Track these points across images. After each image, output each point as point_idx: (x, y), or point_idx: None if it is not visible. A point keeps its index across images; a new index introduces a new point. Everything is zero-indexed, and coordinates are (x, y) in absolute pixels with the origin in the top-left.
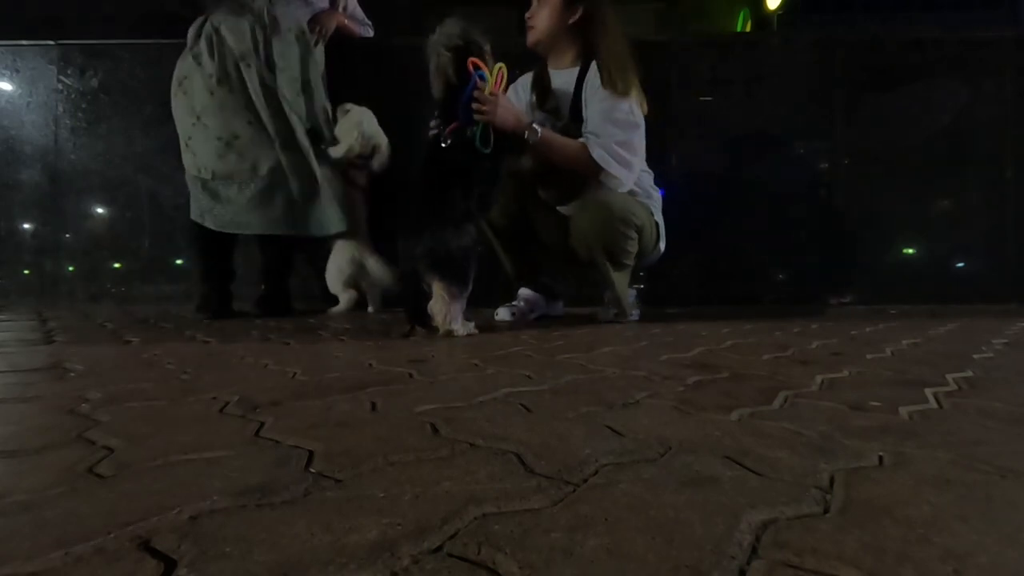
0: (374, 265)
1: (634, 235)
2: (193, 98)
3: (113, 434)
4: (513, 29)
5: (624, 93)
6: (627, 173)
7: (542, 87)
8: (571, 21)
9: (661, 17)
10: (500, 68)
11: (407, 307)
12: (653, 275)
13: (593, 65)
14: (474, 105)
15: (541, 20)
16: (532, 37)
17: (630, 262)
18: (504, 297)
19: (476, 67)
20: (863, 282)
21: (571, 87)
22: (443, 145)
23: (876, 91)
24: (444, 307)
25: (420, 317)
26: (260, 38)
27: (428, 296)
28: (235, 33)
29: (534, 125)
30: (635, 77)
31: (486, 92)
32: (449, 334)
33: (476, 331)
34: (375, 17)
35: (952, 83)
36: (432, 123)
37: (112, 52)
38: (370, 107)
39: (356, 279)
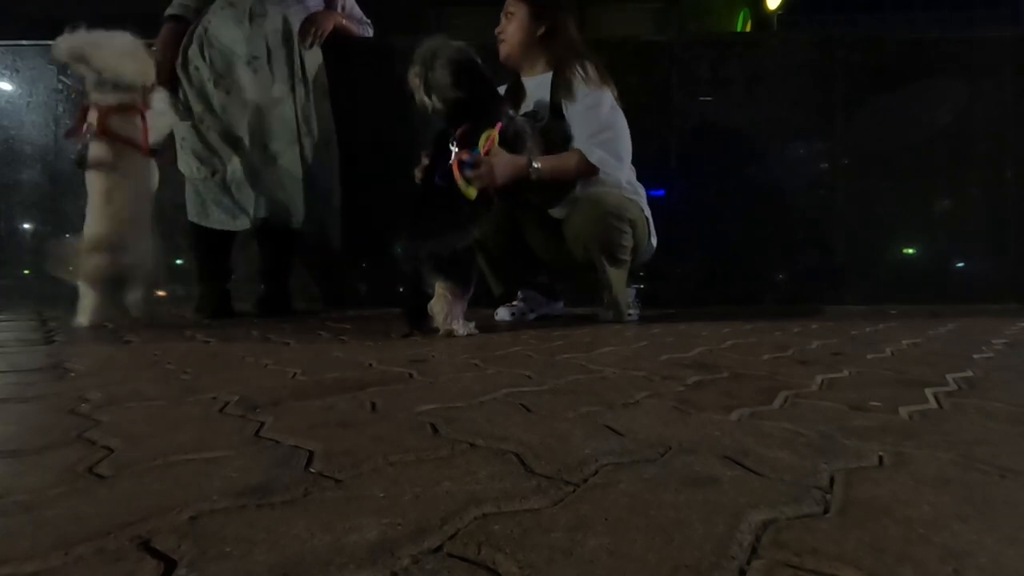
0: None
1: (628, 229)
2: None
3: (113, 434)
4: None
5: (601, 83)
6: (621, 166)
7: (516, 95)
8: (539, 34)
9: (661, 17)
10: (489, 134)
11: (407, 307)
12: (653, 275)
13: (566, 71)
14: (470, 175)
15: (511, 35)
16: (504, 51)
17: (626, 257)
18: (503, 297)
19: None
20: (863, 282)
21: (547, 89)
22: (452, 146)
23: (876, 91)
24: (445, 307)
25: (420, 317)
26: (245, 36)
27: (428, 296)
28: (223, 33)
29: (533, 164)
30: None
31: (476, 162)
32: (449, 334)
33: (476, 331)
34: (374, 16)
35: (952, 83)
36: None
37: None
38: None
39: (105, 280)
